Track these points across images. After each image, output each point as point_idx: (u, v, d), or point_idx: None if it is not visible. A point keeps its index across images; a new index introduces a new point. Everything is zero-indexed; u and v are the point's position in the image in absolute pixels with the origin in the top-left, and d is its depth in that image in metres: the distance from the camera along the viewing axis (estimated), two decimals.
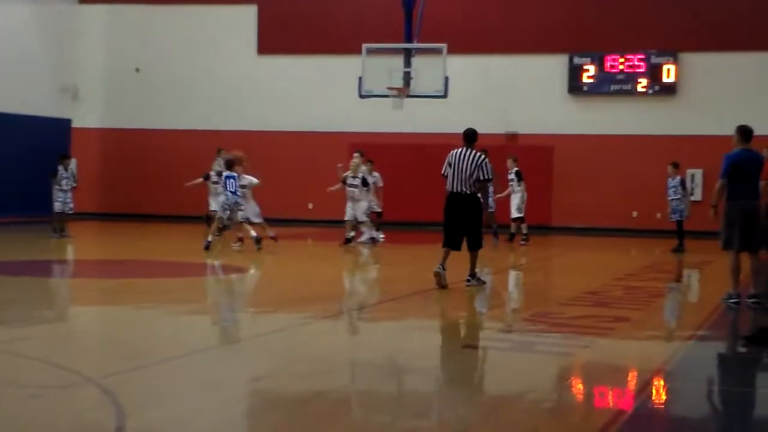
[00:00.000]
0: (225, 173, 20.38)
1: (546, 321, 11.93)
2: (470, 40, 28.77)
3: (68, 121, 30.65)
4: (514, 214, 23.59)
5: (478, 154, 14.61)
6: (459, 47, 26.60)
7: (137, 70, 31.17)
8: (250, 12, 30.76)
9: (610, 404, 8.12)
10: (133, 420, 7.02)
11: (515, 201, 23.65)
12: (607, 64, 28.72)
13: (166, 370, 8.74)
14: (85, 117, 31.09)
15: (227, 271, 17.76)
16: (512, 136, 28.36)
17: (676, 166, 22.56)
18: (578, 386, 8.76)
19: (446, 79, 24.04)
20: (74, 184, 22.91)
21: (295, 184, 29.71)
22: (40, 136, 28.70)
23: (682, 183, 22.51)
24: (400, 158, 29.57)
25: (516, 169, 23.82)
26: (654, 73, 28.45)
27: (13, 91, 27.81)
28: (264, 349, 10.06)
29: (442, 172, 14.59)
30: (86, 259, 19.43)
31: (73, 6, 31.22)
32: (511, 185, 23.83)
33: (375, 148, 29.51)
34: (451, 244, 14.50)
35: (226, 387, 8.20)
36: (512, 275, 18.69)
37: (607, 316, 12.28)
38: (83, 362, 9.20)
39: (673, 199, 22.31)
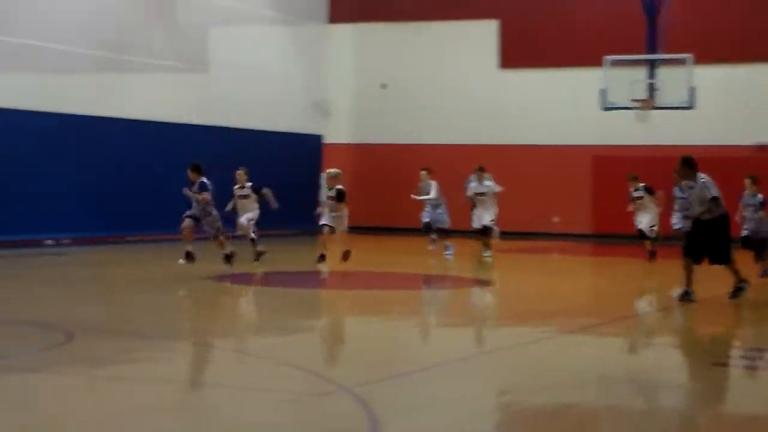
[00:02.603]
0: None
1: None
2: (716, 49, 28.00)
3: (320, 137, 31.76)
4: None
5: None
6: (705, 56, 26.00)
7: (383, 86, 31.95)
8: (492, 27, 31.02)
9: None
10: (386, 429, 7.24)
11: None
12: None
13: (416, 381, 8.99)
14: (336, 133, 32.09)
15: (470, 283, 18.02)
16: (762, 148, 27.43)
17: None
18: None
19: (692, 89, 23.60)
20: None
21: (539, 197, 29.72)
22: (294, 152, 29.87)
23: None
24: (644, 171, 29.08)
25: (642, 184, 21.66)
26: None
27: (269, 110, 29.06)
28: (509, 361, 10.19)
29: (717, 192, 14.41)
30: (338, 270, 20.09)
31: (323, 26, 32.35)
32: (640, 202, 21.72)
33: (618, 161, 29.20)
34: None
35: (474, 399, 8.36)
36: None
37: None
38: (337, 371, 9.61)
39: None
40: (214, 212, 17.63)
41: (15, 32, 22.69)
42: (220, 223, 17.65)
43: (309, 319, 13.54)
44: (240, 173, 19.92)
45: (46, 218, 23.01)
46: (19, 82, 23.14)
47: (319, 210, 19.12)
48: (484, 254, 21.36)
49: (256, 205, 19.94)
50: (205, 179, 17.46)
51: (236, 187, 19.94)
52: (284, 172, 28.06)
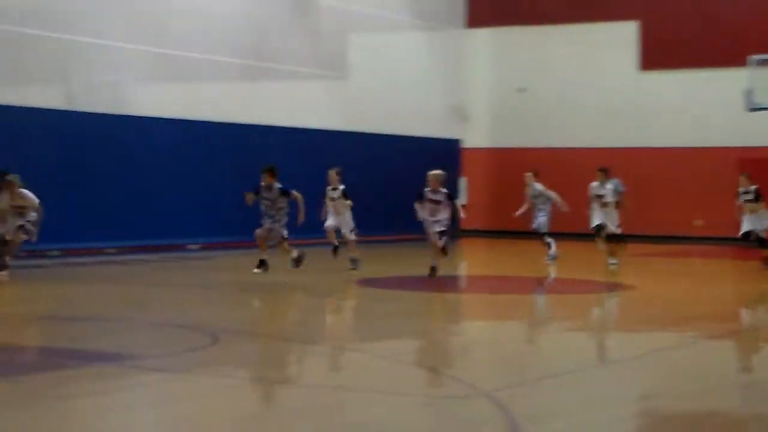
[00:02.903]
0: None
1: None
2: None
3: (458, 142, 31.86)
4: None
5: None
6: None
7: (522, 90, 31.84)
8: (631, 28, 30.62)
9: None
10: None
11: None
12: None
13: (555, 386, 8.97)
14: (474, 137, 32.13)
15: (609, 287, 17.84)
16: None
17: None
18: None
19: None
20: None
21: (680, 200, 29.21)
22: (432, 156, 30.00)
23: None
24: None
25: (754, 186, 20.55)
26: None
27: (407, 115, 29.28)
28: (650, 366, 10.07)
29: None
30: (473, 274, 20.17)
31: (462, 30, 32.43)
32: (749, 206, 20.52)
33: (764, 163, 28.48)
34: None
35: (613, 404, 8.30)
36: None
37: None
38: (474, 374, 9.63)
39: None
40: (284, 220, 17.17)
41: (161, 43, 23.40)
42: (285, 231, 17.17)
43: (444, 323, 13.61)
44: (332, 173, 18.79)
45: (191, 223, 23.63)
46: (165, 91, 23.86)
47: (420, 215, 17.47)
48: (610, 261, 20.42)
49: (348, 209, 18.74)
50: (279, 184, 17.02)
51: (328, 188, 18.83)
52: (422, 176, 28.21)
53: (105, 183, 22.14)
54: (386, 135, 28.50)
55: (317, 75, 27.20)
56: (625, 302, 16.13)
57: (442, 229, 17.23)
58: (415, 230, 25.98)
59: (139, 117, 22.83)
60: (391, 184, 27.47)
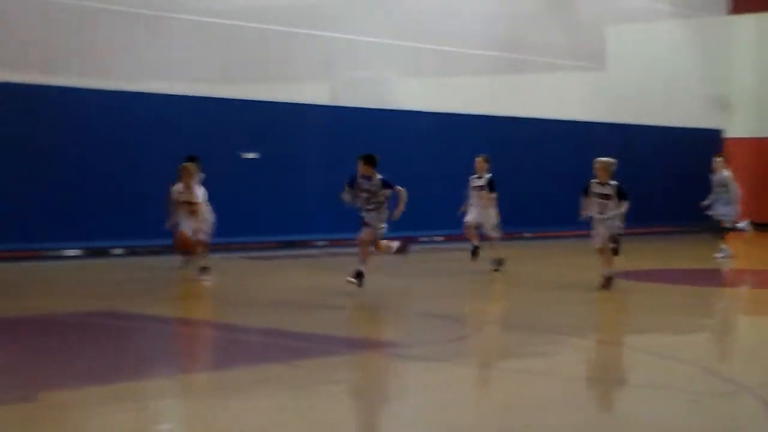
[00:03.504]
0: None
1: None
2: None
3: (720, 132, 31.00)
4: None
5: None
6: None
7: None
8: None
9: None
10: None
11: None
12: None
13: None
14: (737, 127, 31.17)
15: None
16: None
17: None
18: None
19: None
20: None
21: None
22: (691, 147, 29.37)
23: None
24: None
25: None
26: None
27: (667, 105, 28.75)
28: None
29: None
30: (737, 268, 19.58)
31: (724, 17, 31.50)
32: None
33: None
34: None
35: None
36: None
37: None
38: (737, 370, 9.46)
39: None
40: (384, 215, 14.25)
41: (420, 38, 23.92)
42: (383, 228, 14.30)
43: (706, 317, 13.37)
44: (479, 160, 17.07)
45: (425, 215, 23.56)
46: (424, 84, 24.39)
47: (584, 214, 14.74)
48: None
49: (493, 202, 16.99)
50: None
51: (473, 177, 17.11)
52: (680, 167, 27.69)
53: None
54: (645, 126, 28.09)
55: (575, 66, 27.10)
56: None
57: (617, 231, 14.59)
58: (674, 222, 25.63)
59: (400, 111, 23.41)
60: (648, 175, 27.06)
